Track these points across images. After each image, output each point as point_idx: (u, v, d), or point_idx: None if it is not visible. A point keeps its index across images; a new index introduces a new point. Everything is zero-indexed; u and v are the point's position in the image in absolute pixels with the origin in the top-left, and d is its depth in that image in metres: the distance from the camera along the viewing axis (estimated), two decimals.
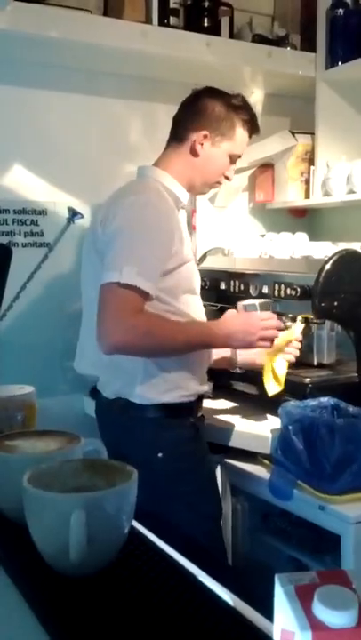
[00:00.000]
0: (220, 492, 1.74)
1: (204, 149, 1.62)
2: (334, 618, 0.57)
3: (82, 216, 1.89)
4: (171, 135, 1.66)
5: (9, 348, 2.02)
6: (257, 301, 1.82)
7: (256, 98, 2.29)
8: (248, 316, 1.63)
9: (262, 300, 1.85)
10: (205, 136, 1.61)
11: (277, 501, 1.58)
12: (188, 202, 1.73)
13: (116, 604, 0.56)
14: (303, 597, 0.60)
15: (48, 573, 0.58)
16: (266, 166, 2.31)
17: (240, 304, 1.82)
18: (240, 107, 1.65)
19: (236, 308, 1.82)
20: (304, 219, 2.47)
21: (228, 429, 1.75)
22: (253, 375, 1.83)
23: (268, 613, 0.87)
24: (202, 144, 1.61)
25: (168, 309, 1.52)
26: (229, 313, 1.68)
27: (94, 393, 1.67)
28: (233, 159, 1.67)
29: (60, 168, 2.15)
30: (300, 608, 0.59)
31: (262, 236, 2.36)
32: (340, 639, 0.56)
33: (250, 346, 1.59)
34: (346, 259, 1.80)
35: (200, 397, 1.64)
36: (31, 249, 2.12)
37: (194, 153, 1.62)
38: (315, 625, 0.57)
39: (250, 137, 1.68)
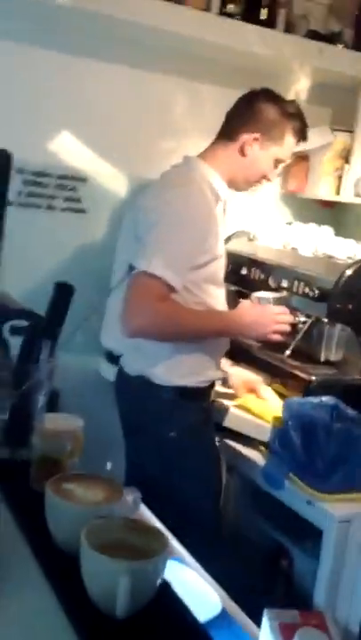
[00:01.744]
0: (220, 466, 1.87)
1: (253, 151, 1.66)
2: None
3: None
4: (221, 131, 1.70)
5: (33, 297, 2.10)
6: (271, 295, 1.91)
7: (301, 87, 2.29)
8: (263, 309, 1.73)
9: (277, 295, 1.93)
10: (256, 139, 1.65)
11: (268, 488, 1.69)
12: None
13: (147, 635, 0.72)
14: (285, 633, 0.71)
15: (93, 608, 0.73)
16: (301, 157, 2.33)
17: (254, 296, 1.90)
18: (294, 115, 1.69)
19: (250, 297, 1.90)
20: (332, 210, 2.49)
21: (231, 413, 1.84)
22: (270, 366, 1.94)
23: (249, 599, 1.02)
24: (251, 146, 1.66)
25: (193, 300, 1.62)
26: (245, 304, 1.77)
27: (111, 358, 1.77)
28: (278, 163, 1.73)
29: (102, 138, 2.17)
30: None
31: (289, 223, 2.40)
32: None
33: (262, 338, 1.71)
34: None
35: (213, 383, 1.75)
36: (68, 214, 2.17)
37: (242, 153, 1.67)
38: None
39: (297, 144, 1.73)
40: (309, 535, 1.61)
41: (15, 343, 1.05)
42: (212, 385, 1.75)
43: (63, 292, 1.02)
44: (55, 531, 0.81)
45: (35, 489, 0.94)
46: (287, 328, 1.74)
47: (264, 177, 1.72)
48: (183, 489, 1.61)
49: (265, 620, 0.73)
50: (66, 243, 2.18)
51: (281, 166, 1.76)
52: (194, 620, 0.77)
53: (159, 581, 0.74)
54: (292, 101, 1.72)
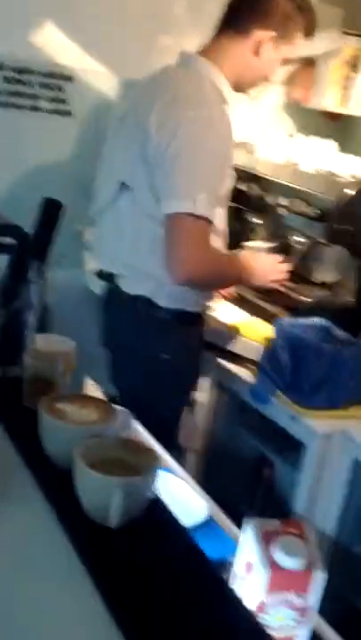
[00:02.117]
0: (207, 384, 1.92)
1: (266, 50, 1.52)
2: (288, 561, 0.73)
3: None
4: (227, 24, 1.54)
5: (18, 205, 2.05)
6: (265, 245, 1.90)
7: None
8: (267, 258, 1.75)
9: (270, 245, 1.92)
10: (272, 38, 1.51)
11: (255, 404, 1.75)
12: None
13: (138, 547, 0.77)
14: (266, 540, 0.76)
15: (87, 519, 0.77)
16: (307, 63, 2.20)
17: (248, 245, 1.90)
18: (306, 9, 1.55)
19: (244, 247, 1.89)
20: (338, 123, 2.40)
21: (223, 332, 1.86)
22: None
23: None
24: (265, 45, 1.52)
25: None
26: (246, 253, 1.77)
27: (102, 275, 1.73)
28: (285, 62, 1.60)
29: (91, 33, 2.02)
30: (264, 548, 0.74)
31: (290, 136, 2.31)
32: (289, 578, 0.72)
33: (264, 284, 1.73)
34: None
35: (209, 307, 1.75)
36: (54, 116, 2.07)
37: (256, 52, 1.52)
38: (273, 564, 0.73)
39: (304, 42, 1.58)
40: (292, 448, 1.68)
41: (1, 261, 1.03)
42: (208, 309, 1.76)
43: (51, 209, 0.99)
44: (49, 449, 0.84)
45: (27, 406, 0.96)
46: (286, 276, 1.73)
47: (266, 78, 1.60)
48: (161, 406, 1.62)
49: (246, 528, 0.78)
50: (51, 147, 2.08)
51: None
52: (181, 527, 0.82)
53: (150, 495, 0.78)
54: None
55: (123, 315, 1.65)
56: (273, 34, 1.51)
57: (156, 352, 1.61)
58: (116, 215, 1.58)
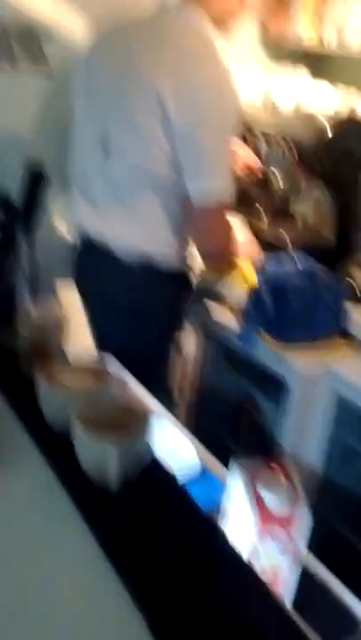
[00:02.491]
0: (195, 329, 1.97)
1: None
2: (274, 500, 0.78)
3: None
4: None
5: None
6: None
7: None
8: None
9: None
10: None
11: (240, 346, 1.79)
12: None
13: (138, 503, 0.82)
14: (252, 481, 0.81)
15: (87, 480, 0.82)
16: None
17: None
18: None
19: None
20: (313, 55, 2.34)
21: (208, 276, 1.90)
22: None
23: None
24: None
25: None
26: None
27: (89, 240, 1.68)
28: None
29: None
30: (250, 489, 0.80)
31: (266, 70, 2.26)
32: (276, 517, 0.78)
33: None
34: (348, 125, 1.83)
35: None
36: (33, 76, 1.99)
37: None
38: (259, 504, 0.78)
39: None
40: (277, 387, 1.73)
41: None
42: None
43: (35, 180, 1.00)
44: (48, 414, 0.89)
45: (24, 371, 1.01)
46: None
47: (244, 6, 1.54)
48: (148, 352, 1.67)
49: (233, 469, 0.83)
50: (32, 108, 2.02)
51: None
52: (176, 484, 0.89)
53: (145, 454, 0.84)
54: None
55: (114, 275, 1.63)
56: None
57: (151, 313, 1.64)
58: (107, 178, 1.54)
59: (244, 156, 1.97)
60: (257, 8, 2.13)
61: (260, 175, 1.99)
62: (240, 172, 1.96)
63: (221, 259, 1.65)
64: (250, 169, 2.00)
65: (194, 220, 1.51)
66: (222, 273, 1.78)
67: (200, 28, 1.46)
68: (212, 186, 1.42)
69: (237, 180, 1.79)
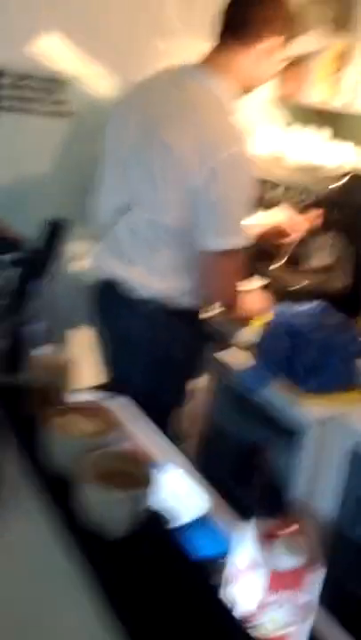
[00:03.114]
0: (207, 371, 1.97)
1: (274, 56, 1.58)
2: (287, 561, 0.78)
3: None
4: (232, 33, 1.55)
5: (21, 207, 2.10)
6: (257, 284, 1.98)
7: None
8: (262, 295, 1.88)
9: (263, 282, 2.01)
10: (281, 42, 1.56)
11: (251, 390, 1.78)
12: None
13: (135, 553, 0.81)
14: (266, 540, 0.81)
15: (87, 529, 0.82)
16: (299, 59, 2.22)
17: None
18: (296, 11, 1.61)
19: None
20: (329, 116, 2.42)
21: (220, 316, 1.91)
22: None
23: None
24: (276, 50, 1.57)
25: None
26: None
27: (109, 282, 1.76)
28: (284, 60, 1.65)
29: (89, 37, 2.07)
30: (263, 548, 0.80)
31: (284, 128, 2.34)
32: (289, 577, 0.77)
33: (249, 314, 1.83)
34: (357, 178, 1.88)
35: None
36: (53, 118, 2.11)
37: (267, 57, 1.57)
38: (272, 563, 0.78)
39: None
40: (289, 434, 1.72)
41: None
42: None
43: (56, 229, 1.04)
44: (52, 460, 0.89)
45: (32, 413, 1.01)
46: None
47: (271, 77, 1.68)
48: (163, 399, 1.72)
49: (249, 528, 0.83)
50: (53, 148, 2.13)
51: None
52: (176, 536, 0.88)
53: (147, 505, 0.84)
54: None
55: (132, 313, 1.70)
56: (282, 38, 1.56)
57: (167, 349, 1.69)
58: (131, 228, 1.63)
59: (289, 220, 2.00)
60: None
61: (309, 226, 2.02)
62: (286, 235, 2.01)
63: (225, 305, 1.71)
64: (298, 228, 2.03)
65: (204, 267, 1.61)
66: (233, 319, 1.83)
67: (224, 99, 1.55)
68: (228, 242, 1.55)
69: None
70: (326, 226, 1.93)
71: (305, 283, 1.98)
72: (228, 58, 1.56)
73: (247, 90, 1.62)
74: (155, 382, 1.70)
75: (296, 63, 2.22)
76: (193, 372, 1.82)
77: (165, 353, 1.69)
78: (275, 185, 2.01)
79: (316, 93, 2.23)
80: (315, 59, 2.19)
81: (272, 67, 1.61)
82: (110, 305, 1.77)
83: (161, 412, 1.59)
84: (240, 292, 1.68)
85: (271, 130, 2.30)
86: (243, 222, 1.54)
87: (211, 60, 1.58)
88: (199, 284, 1.64)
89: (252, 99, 2.28)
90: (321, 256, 2.06)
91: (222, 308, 1.83)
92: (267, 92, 2.39)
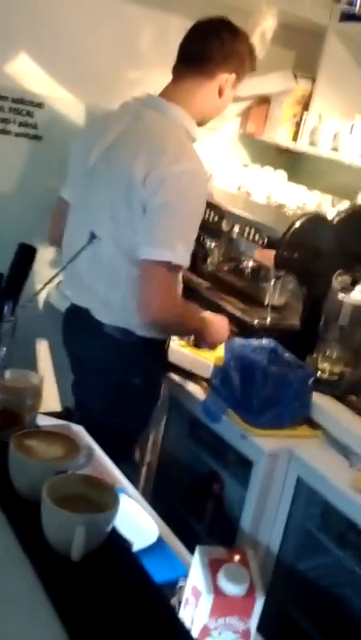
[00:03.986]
0: (160, 399, 2.01)
1: (228, 90, 1.65)
2: (230, 588, 0.83)
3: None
4: (191, 66, 1.62)
5: None
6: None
7: (267, 26, 2.25)
8: (224, 321, 1.84)
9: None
10: (234, 79, 1.64)
11: (207, 421, 1.82)
12: None
13: (97, 574, 0.84)
14: (213, 567, 0.85)
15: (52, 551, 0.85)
16: (262, 100, 2.33)
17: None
18: (252, 49, 1.67)
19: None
20: (288, 155, 2.53)
21: (177, 350, 1.94)
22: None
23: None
24: (228, 86, 1.63)
25: None
26: (208, 313, 1.84)
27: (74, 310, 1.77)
28: (236, 99, 1.74)
29: (62, 62, 2.11)
30: (210, 575, 0.84)
31: (245, 166, 2.44)
32: (231, 604, 0.82)
33: (216, 342, 1.83)
34: (314, 220, 1.96)
35: None
36: (22, 139, 2.15)
37: (220, 93, 1.64)
38: (216, 590, 0.83)
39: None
40: (240, 465, 1.77)
41: None
42: None
43: (26, 254, 1.07)
44: (18, 483, 0.91)
45: None
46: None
47: (221, 112, 1.73)
48: (123, 426, 1.72)
49: (196, 556, 0.87)
50: (20, 169, 2.16)
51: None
52: (135, 558, 0.91)
53: (109, 529, 0.87)
54: (246, 33, 1.68)
55: (94, 340, 1.70)
56: (234, 76, 1.63)
57: (127, 376, 1.69)
58: (93, 256, 1.64)
59: None
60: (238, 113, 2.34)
61: None
62: None
63: (151, 320, 1.59)
64: None
65: (139, 276, 1.56)
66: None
67: (179, 126, 1.60)
68: (159, 253, 1.50)
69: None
70: (282, 265, 1.99)
71: (261, 319, 2.03)
72: (186, 90, 1.63)
73: (200, 122, 1.68)
74: (113, 408, 1.72)
75: (259, 103, 2.33)
76: (152, 400, 1.84)
77: (124, 379, 1.70)
78: (236, 218, 2.07)
79: (279, 134, 2.32)
80: (278, 101, 2.28)
81: (223, 102, 1.68)
82: (73, 330, 1.79)
83: (119, 438, 1.60)
84: (177, 314, 1.63)
85: (233, 166, 2.39)
86: (183, 242, 1.51)
87: (170, 91, 1.65)
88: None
89: (216, 134, 2.40)
90: (275, 294, 2.13)
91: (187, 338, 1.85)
92: (232, 130, 2.48)
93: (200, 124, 1.68)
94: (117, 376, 1.70)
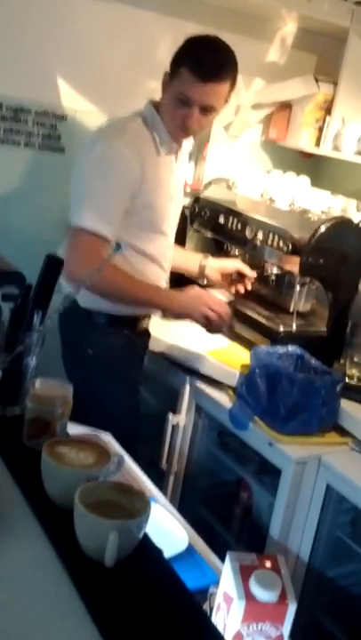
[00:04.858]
0: (186, 408, 2.01)
1: (165, 88, 1.66)
2: (262, 594, 0.82)
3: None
4: None
5: (12, 236, 2.16)
6: (225, 299, 2.04)
7: (287, 31, 2.26)
8: (199, 292, 1.81)
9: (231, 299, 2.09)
10: (166, 74, 1.65)
11: (233, 429, 1.83)
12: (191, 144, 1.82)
13: (130, 580, 0.85)
14: (244, 574, 0.85)
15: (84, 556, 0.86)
16: (284, 105, 2.33)
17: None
18: (193, 46, 1.61)
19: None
20: (311, 160, 2.53)
21: (205, 359, 1.96)
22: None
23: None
24: (165, 83, 1.65)
25: (133, 246, 1.71)
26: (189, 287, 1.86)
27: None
28: (183, 103, 1.62)
29: (84, 75, 2.15)
30: (241, 582, 0.84)
31: (268, 172, 2.43)
32: (264, 610, 0.82)
33: (196, 317, 1.80)
34: (339, 225, 1.95)
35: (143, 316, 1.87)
36: (46, 152, 2.19)
37: (163, 91, 1.68)
38: (248, 596, 0.83)
39: (201, 80, 1.58)
40: (268, 472, 1.76)
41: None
42: (144, 316, 1.88)
43: (53, 265, 1.09)
44: (50, 490, 0.92)
45: (27, 445, 1.05)
46: (221, 319, 1.80)
47: (183, 122, 1.66)
48: (102, 406, 1.71)
49: (227, 562, 0.87)
50: (44, 181, 2.20)
51: (213, 115, 1.68)
52: (167, 564, 0.91)
53: (141, 535, 0.88)
54: (205, 36, 1.61)
55: (59, 315, 1.74)
56: (168, 71, 1.64)
57: (85, 350, 1.78)
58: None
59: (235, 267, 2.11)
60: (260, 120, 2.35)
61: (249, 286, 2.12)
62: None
63: (68, 278, 1.57)
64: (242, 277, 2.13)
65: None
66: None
67: (132, 122, 1.68)
68: (73, 219, 1.61)
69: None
70: (307, 272, 1.98)
71: (287, 326, 2.02)
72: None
73: (171, 132, 1.70)
74: (77, 379, 1.72)
75: (282, 109, 2.33)
76: (116, 372, 1.83)
77: (80, 350, 1.78)
78: (259, 225, 2.07)
79: (301, 139, 2.32)
80: (300, 106, 2.28)
81: (168, 104, 1.66)
82: (65, 319, 1.83)
83: (111, 423, 1.54)
84: (106, 279, 1.62)
85: (256, 173, 2.39)
86: (95, 210, 1.58)
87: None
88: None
89: (238, 141, 2.40)
90: (301, 301, 2.12)
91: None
92: (254, 137, 2.48)
93: (171, 133, 1.69)
94: (74, 347, 1.80)
